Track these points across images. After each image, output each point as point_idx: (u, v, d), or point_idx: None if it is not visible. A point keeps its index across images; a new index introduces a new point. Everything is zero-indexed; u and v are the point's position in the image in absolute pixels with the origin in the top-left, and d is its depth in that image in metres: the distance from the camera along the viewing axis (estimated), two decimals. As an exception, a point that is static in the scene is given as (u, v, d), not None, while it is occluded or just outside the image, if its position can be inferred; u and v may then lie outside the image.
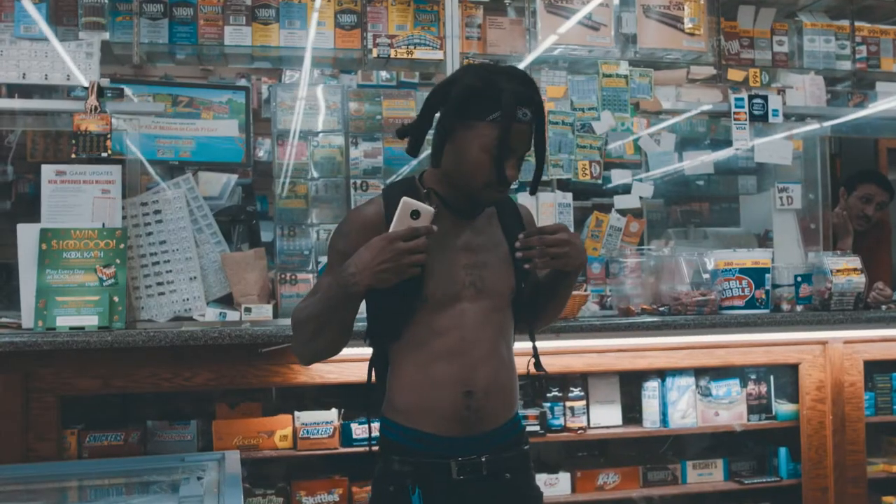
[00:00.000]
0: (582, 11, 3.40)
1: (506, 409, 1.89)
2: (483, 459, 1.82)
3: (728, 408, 3.22)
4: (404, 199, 1.69)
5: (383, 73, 4.96)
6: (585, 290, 3.05)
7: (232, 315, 3.01)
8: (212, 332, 2.63)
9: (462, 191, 1.81)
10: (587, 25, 3.38)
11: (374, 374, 1.95)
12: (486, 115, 1.71)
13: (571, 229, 3.33)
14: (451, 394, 1.80)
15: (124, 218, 2.95)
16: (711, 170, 3.78)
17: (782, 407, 3.26)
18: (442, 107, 1.78)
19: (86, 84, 2.87)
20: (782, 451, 3.25)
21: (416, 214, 1.68)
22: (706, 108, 3.58)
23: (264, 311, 3.00)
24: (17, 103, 2.94)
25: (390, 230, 1.69)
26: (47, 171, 2.90)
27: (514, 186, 3.20)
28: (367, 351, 2.83)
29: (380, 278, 1.69)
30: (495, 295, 1.85)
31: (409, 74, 4.66)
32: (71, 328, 2.70)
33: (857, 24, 3.77)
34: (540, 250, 1.77)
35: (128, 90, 3.15)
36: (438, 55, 3.29)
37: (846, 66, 3.74)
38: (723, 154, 3.72)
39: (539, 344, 2.90)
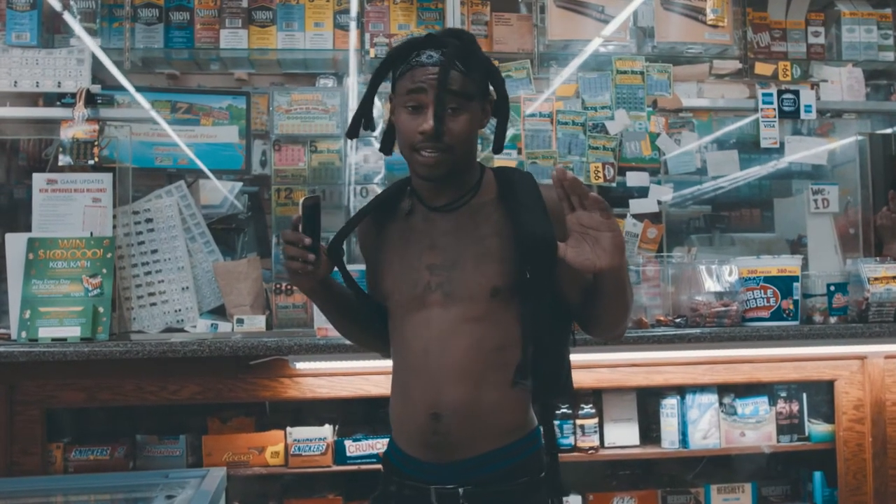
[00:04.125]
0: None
1: (490, 436, 1.59)
2: (461, 491, 1.59)
3: (755, 428, 2.97)
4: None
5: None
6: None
7: (224, 326, 2.92)
8: (191, 344, 2.54)
9: (414, 173, 1.63)
10: (600, 20, 3.19)
11: None
12: (395, 73, 1.59)
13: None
14: (419, 415, 1.59)
15: (115, 227, 2.89)
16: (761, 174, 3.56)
17: (817, 427, 3.01)
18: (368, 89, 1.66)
19: (73, 91, 2.82)
20: (817, 475, 3.00)
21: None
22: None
23: (257, 323, 2.90)
24: (4, 111, 2.90)
25: None
26: (38, 179, 2.87)
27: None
28: (361, 365, 2.73)
29: (293, 283, 1.60)
30: (467, 301, 1.56)
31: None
32: (53, 339, 2.64)
33: (900, 12, 3.49)
34: (579, 199, 1.40)
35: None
36: (439, 54, 3.15)
37: (889, 57, 3.45)
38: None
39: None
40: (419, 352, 1.59)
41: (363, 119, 1.65)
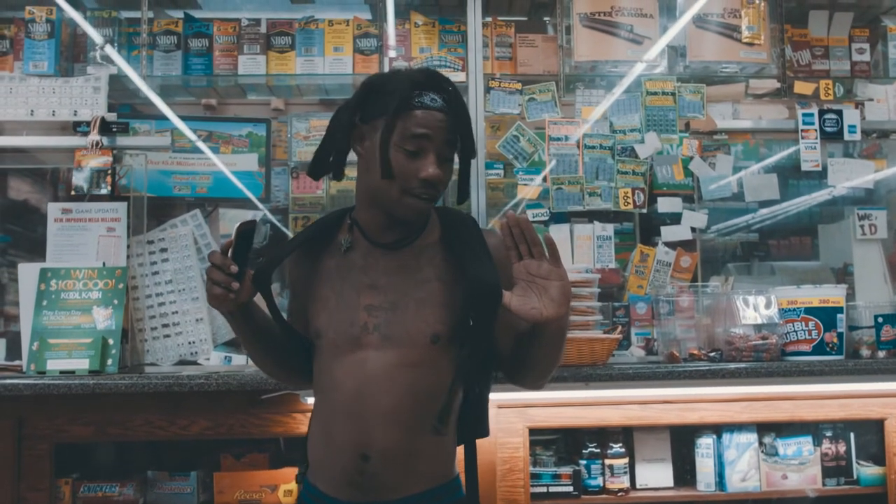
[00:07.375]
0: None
1: (415, 480, 1.56)
2: None
3: (798, 470, 2.78)
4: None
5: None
6: (619, 333, 2.70)
7: (238, 359, 2.83)
8: (198, 378, 2.45)
9: (383, 208, 1.55)
10: (629, 39, 3.06)
11: None
12: (389, 109, 1.49)
13: (611, 263, 2.99)
14: (346, 455, 1.54)
15: (129, 257, 2.84)
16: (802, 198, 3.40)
17: (866, 470, 2.80)
18: (345, 119, 1.59)
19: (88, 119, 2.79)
20: (867, 522, 2.78)
21: None
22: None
23: (271, 355, 2.80)
24: (18, 141, 2.88)
25: None
26: (53, 209, 2.83)
27: (542, 216, 2.93)
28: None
29: (210, 304, 1.55)
30: (405, 345, 1.53)
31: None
32: (61, 372, 2.59)
33: (952, 26, 3.30)
34: (527, 247, 1.38)
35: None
36: (460, 77, 3.05)
37: (939, 73, 3.26)
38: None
39: (563, 394, 2.63)
40: (351, 393, 1.53)
41: (335, 151, 1.61)
